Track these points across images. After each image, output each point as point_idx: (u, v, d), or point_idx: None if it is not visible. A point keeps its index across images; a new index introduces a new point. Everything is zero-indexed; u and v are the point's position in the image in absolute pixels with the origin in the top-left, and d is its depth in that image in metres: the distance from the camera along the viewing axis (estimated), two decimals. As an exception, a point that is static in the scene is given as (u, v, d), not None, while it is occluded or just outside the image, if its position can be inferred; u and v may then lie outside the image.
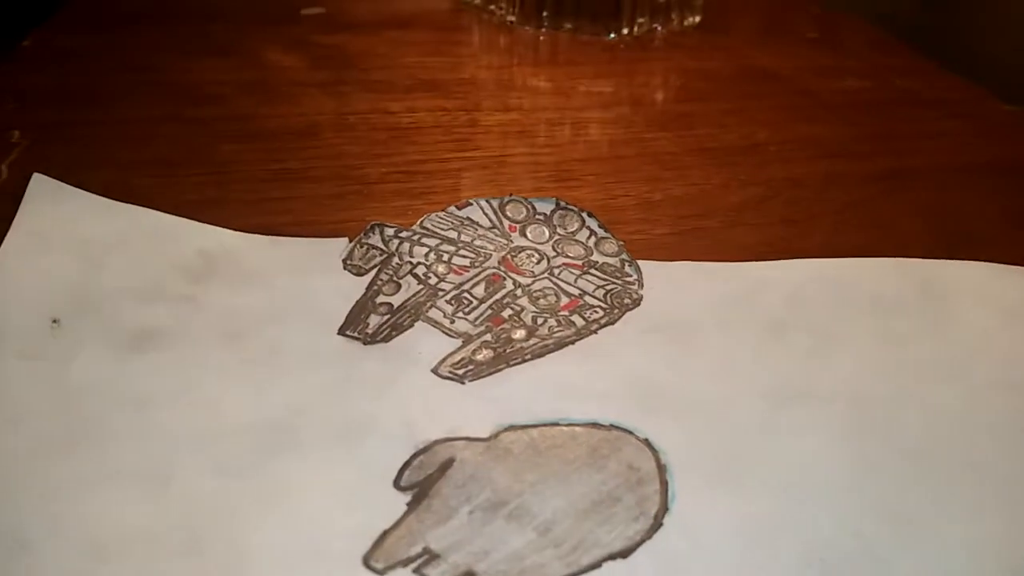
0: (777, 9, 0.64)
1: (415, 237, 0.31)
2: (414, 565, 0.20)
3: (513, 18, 0.57)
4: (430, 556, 0.20)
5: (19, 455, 0.22)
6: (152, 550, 0.20)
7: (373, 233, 0.31)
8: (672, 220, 0.35)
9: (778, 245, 0.33)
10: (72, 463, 0.22)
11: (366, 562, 0.20)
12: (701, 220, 0.35)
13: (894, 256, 0.32)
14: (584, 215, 0.33)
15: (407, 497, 0.21)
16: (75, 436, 0.22)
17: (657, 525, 0.21)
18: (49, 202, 0.29)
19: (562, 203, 0.33)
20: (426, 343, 0.27)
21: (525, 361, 0.26)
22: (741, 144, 0.42)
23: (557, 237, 0.32)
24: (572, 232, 0.32)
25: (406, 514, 0.21)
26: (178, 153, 0.38)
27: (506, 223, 0.32)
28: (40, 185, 0.30)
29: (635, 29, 0.57)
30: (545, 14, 0.57)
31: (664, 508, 0.21)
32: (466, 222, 0.32)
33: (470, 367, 0.26)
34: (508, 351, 0.27)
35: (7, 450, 0.22)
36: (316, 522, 0.21)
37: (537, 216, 0.33)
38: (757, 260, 0.31)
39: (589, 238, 0.32)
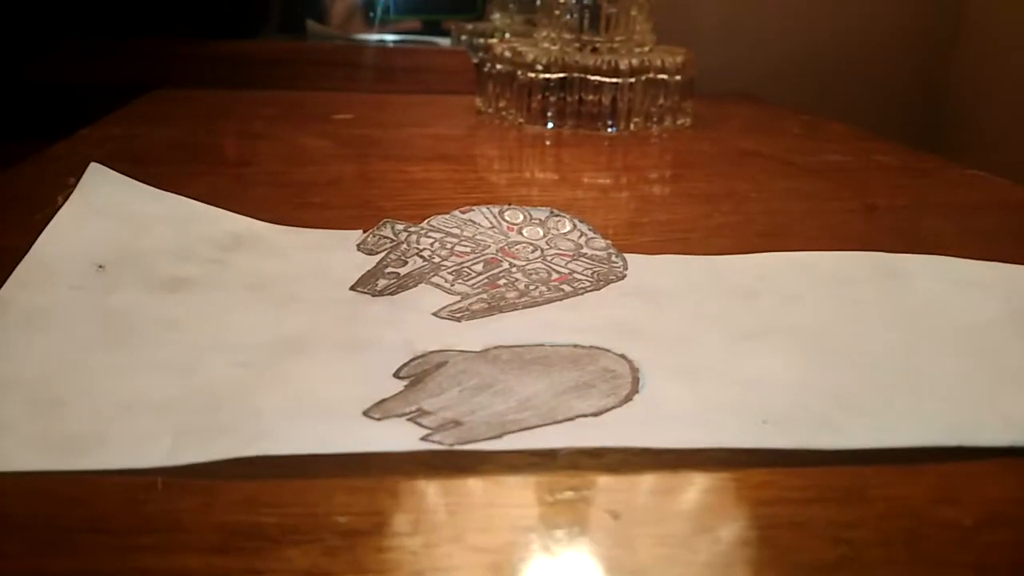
0: (764, 115, 0.70)
1: (422, 230, 0.35)
2: (408, 417, 0.22)
3: (522, 120, 0.63)
4: (422, 412, 0.22)
5: (59, 352, 0.24)
6: (175, 409, 0.22)
7: (385, 227, 0.35)
8: (656, 234, 0.38)
9: (755, 251, 0.36)
10: (108, 357, 0.24)
11: (365, 414, 0.22)
12: (683, 234, 0.38)
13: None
14: (576, 220, 0.36)
15: (405, 383, 0.24)
16: (111, 341, 0.25)
17: (627, 400, 0.23)
18: (103, 183, 0.33)
19: (555, 211, 0.37)
20: (428, 298, 0.30)
21: (516, 310, 0.29)
22: (723, 192, 0.45)
23: (551, 235, 0.35)
24: (564, 232, 0.36)
25: (403, 390, 0.23)
26: (214, 194, 0.42)
27: (504, 224, 0.36)
28: (96, 171, 0.34)
29: (631, 127, 0.63)
30: (550, 115, 0.63)
31: (635, 391, 0.24)
32: (468, 222, 0.36)
33: (466, 312, 0.29)
34: (502, 304, 0.29)
35: (50, 349, 0.25)
36: (321, 393, 0.23)
37: (533, 220, 0.36)
38: (733, 254, 0.34)
39: (580, 237, 0.35)
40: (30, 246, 0.30)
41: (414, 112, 0.66)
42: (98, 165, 0.34)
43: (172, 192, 0.36)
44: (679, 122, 0.65)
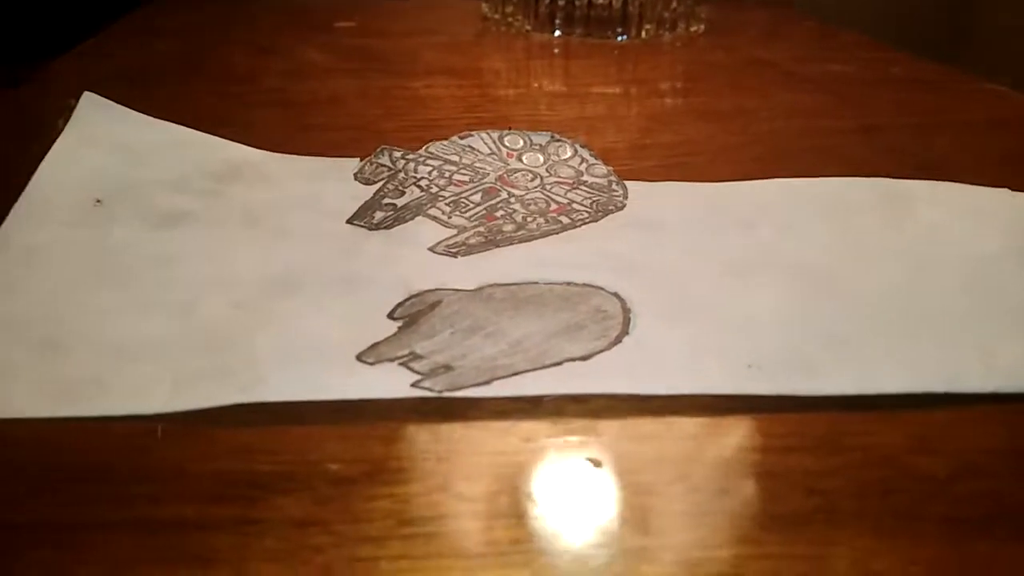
0: (777, 21, 0.68)
1: (420, 158, 0.34)
2: (400, 361, 0.22)
3: (529, 27, 0.62)
4: (414, 356, 0.23)
5: (58, 290, 0.25)
6: (173, 352, 0.23)
7: (382, 154, 0.35)
8: (660, 157, 0.38)
9: (756, 177, 0.36)
10: (107, 297, 0.25)
11: (358, 358, 0.22)
12: (686, 157, 0.38)
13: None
14: (577, 145, 0.36)
15: (398, 324, 0.24)
16: (109, 280, 0.26)
17: (616, 342, 0.23)
18: (97, 114, 0.33)
19: (556, 135, 0.36)
20: (425, 232, 0.30)
21: (512, 244, 0.29)
22: (730, 109, 0.45)
23: (551, 162, 0.35)
24: (565, 159, 0.35)
25: (396, 332, 0.24)
26: (215, 116, 0.42)
27: (504, 150, 0.36)
28: (90, 100, 0.34)
29: (643, 34, 0.61)
30: (558, 21, 0.61)
31: (624, 332, 0.24)
32: (467, 148, 0.35)
33: (463, 247, 0.29)
34: (498, 238, 0.30)
35: (48, 286, 0.25)
36: (316, 336, 0.23)
37: (533, 145, 0.36)
38: (735, 181, 0.34)
39: (581, 164, 0.35)
40: (30, 171, 0.30)
41: (418, 18, 0.65)
42: (92, 94, 0.34)
43: (173, 117, 0.36)
44: (692, 28, 0.63)
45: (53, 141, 0.33)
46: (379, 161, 0.34)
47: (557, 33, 0.61)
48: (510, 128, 0.37)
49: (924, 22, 0.89)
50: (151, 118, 0.34)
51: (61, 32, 0.58)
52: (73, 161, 0.30)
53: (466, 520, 0.18)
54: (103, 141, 0.32)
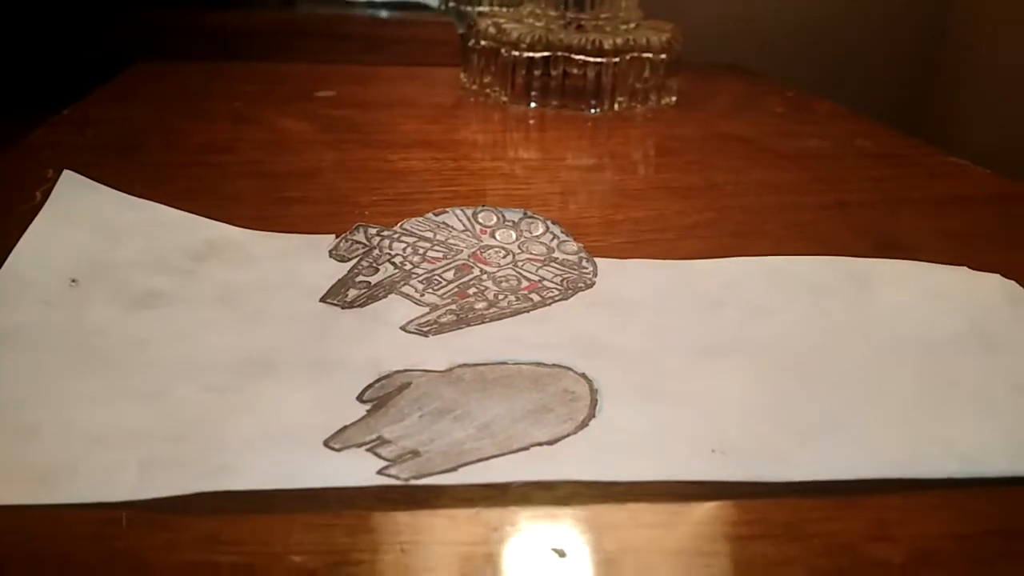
0: (749, 91, 0.70)
1: (395, 235, 0.35)
2: (367, 447, 0.23)
3: (506, 98, 0.63)
4: (382, 441, 0.23)
5: (33, 375, 0.25)
6: (143, 438, 0.23)
7: (357, 231, 0.35)
8: (630, 233, 0.39)
9: (726, 255, 0.36)
10: (80, 382, 0.25)
11: (326, 444, 0.23)
12: (657, 234, 0.39)
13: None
14: (548, 222, 0.37)
15: (367, 407, 0.24)
16: (83, 363, 0.26)
17: (583, 426, 0.24)
18: (76, 192, 0.34)
19: (528, 213, 0.37)
20: (397, 309, 0.30)
21: (484, 323, 0.30)
22: (701, 184, 0.46)
23: (523, 238, 0.36)
24: (537, 235, 0.36)
25: (365, 416, 0.24)
26: (194, 187, 0.42)
27: (477, 227, 0.36)
28: (69, 179, 0.34)
29: (616, 107, 0.62)
30: (534, 92, 0.62)
31: (591, 415, 0.24)
32: (441, 225, 0.36)
33: (434, 326, 0.29)
34: (470, 316, 0.30)
35: (24, 370, 0.25)
36: (285, 421, 0.24)
37: (506, 222, 0.37)
38: (703, 258, 0.35)
39: (552, 240, 0.36)
40: (7, 246, 0.30)
41: (397, 88, 0.66)
42: (72, 173, 0.35)
43: (151, 187, 0.36)
44: (664, 100, 0.65)
45: (29, 211, 0.34)
46: (354, 238, 0.35)
47: (532, 104, 0.62)
48: (484, 205, 0.37)
49: (887, 90, 0.92)
50: (130, 196, 0.35)
51: (41, 95, 0.59)
52: (51, 240, 0.31)
53: (429, 613, 0.18)
54: (81, 220, 0.32)
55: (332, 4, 0.95)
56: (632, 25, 0.64)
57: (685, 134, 0.56)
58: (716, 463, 0.22)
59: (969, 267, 0.34)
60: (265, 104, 0.59)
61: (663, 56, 0.63)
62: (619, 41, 0.61)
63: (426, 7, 0.95)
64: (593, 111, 0.61)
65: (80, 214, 0.32)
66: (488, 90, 0.64)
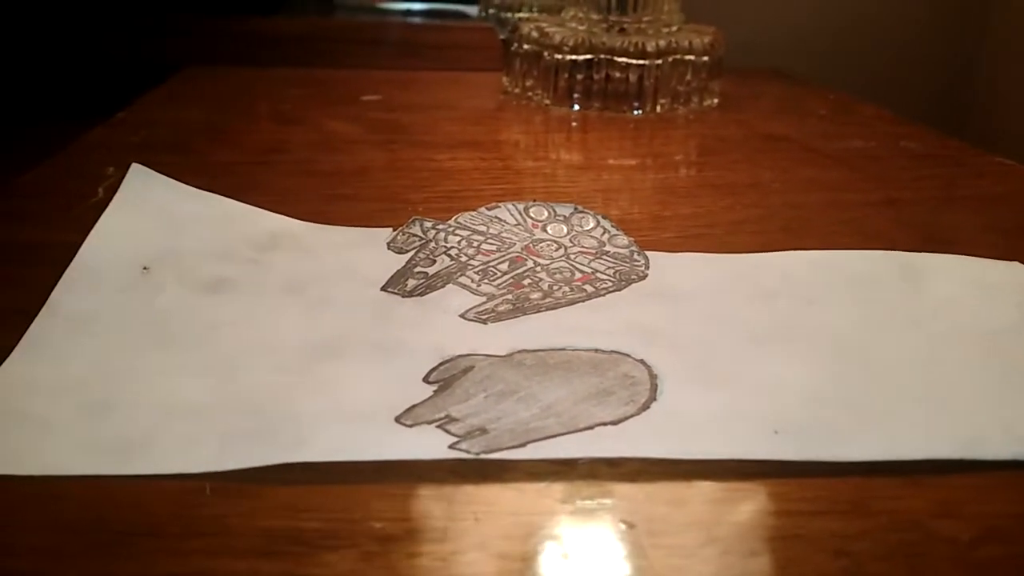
0: (792, 94, 0.70)
1: (450, 228, 0.36)
2: (437, 423, 0.23)
3: (548, 101, 0.64)
4: (450, 419, 0.23)
5: (107, 355, 0.26)
6: (219, 414, 0.23)
7: (414, 224, 0.36)
8: (678, 229, 0.39)
9: (776, 249, 0.37)
10: (153, 360, 0.26)
11: (397, 420, 0.23)
12: (705, 229, 0.39)
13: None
14: (599, 217, 0.37)
15: (433, 388, 0.25)
16: (157, 343, 0.27)
17: (645, 408, 0.24)
18: (145, 185, 0.35)
19: (579, 208, 0.38)
20: (455, 299, 0.31)
21: (540, 312, 0.30)
22: (747, 182, 0.46)
23: (574, 232, 0.36)
24: (588, 229, 0.37)
25: (432, 396, 0.25)
26: (247, 184, 0.43)
27: (529, 221, 0.37)
28: (138, 172, 0.36)
29: (658, 108, 0.63)
30: (576, 95, 0.63)
31: (652, 399, 0.25)
32: (494, 219, 0.37)
33: (492, 314, 0.30)
34: (526, 305, 0.31)
35: (98, 351, 0.26)
36: (355, 399, 0.24)
37: (558, 216, 0.37)
38: (753, 252, 0.35)
39: (603, 234, 0.36)
40: (73, 240, 0.32)
41: (441, 92, 0.67)
42: (139, 166, 0.36)
43: (206, 186, 0.37)
44: (706, 102, 0.65)
45: (92, 207, 0.35)
46: (411, 231, 0.36)
47: (575, 107, 0.63)
48: (535, 200, 0.38)
49: (927, 94, 0.91)
50: (195, 189, 0.36)
51: (94, 100, 0.61)
52: (121, 230, 0.32)
53: (506, 578, 0.18)
54: (150, 211, 0.33)
55: (370, 12, 0.97)
56: (674, 28, 0.65)
57: (728, 134, 0.57)
58: (779, 443, 0.23)
59: (1021, 262, 0.34)
60: (311, 107, 0.60)
61: (705, 58, 0.63)
62: (661, 43, 0.62)
63: (464, 15, 0.96)
64: (636, 112, 0.62)
65: (148, 205, 0.34)
66: (531, 93, 0.65)
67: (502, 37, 0.76)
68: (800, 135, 0.56)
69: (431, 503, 0.20)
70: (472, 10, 0.96)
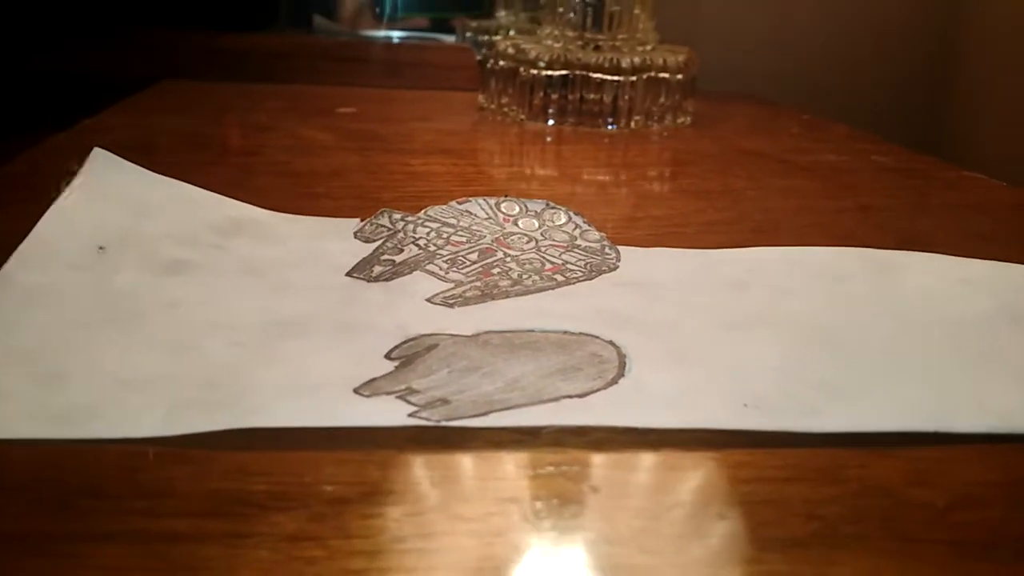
0: (764, 114, 0.71)
1: (419, 220, 0.35)
2: (397, 395, 0.22)
3: (523, 117, 0.64)
4: (411, 391, 0.23)
5: (58, 328, 0.25)
6: (171, 384, 0.23)
7: (382, 215, 0.35)
8: (651, 228, 0.39)
9: (747, 246, 0.36)
10: (107, 334, 0.25)
11: (355, 391, 0.22)
12: (677, 229, 0.39)
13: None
14: (571, 212, 0.37)
15: (395, 364, 0.24)
16: (111, 319, 0.26)
17: (613, 383, 0.24)
18: (106, 168, 0.34)
19: (551, 203, 0.37)
20: (422, 285, 0.30)
21: (509, 298, 0.30)
22: (720, 189, 0.46)
23: (546, 227, 0.36)
24: (559, 224, 0.36)
25: (394, 370, 0.24)
26: (218, 183, 0.43)
27: (500, 216, 0.36)
28: (100, 156, 0.35)
29: (632, 125, 0.63)
30: (551, 111, 0.63)
31: (620, 375, 0.24)
32: (465, 212, 0.36)
33: (459, 299, 0.29)
34: (494, 292, 0.30)
35: (48, 323, 0.25)
36: (314, 373, 0.23)
37: (529, 212, 0.37)
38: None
39: (575, 229, 0.36)
40: (28, 229, 0.31)
41: (417, 107, 0.67)
42: (101, 150, 0.35)
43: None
44: (679, 120, 0.65)
45: (52, 201, 0.34)
46: (379, 222, 0.35)
47: (550, 123, 0.63)
48: (506, 195, 0.38)
49: (901, 114, 0.92)
50: (158, 175, 0.35)
51: (65, 110, 0.60)
52: (78, 210, 0.31)
53: (461, 537, 0.17)
54: (110, 193, 0.32)
55: (349, 36, 0.97)
56: (649, 47, 0.65)
57: (702, 148, 0.57)
58: (748, 415, 0.22)
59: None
60: (288, 117, 0.60)
61: (679, 76, 0.64)
62: (636, 61, 0.62)
63: (442, 37, 0.96)
64: (610, 127, 0.62)
65: (109, 187, 0.33)
66: (506, 109, 0.65)
67: (479, 57, 0.76)
68: (774, 150, 0.56)
69: (387, 469, 0.20)
70: (450, 38, 0.96)
